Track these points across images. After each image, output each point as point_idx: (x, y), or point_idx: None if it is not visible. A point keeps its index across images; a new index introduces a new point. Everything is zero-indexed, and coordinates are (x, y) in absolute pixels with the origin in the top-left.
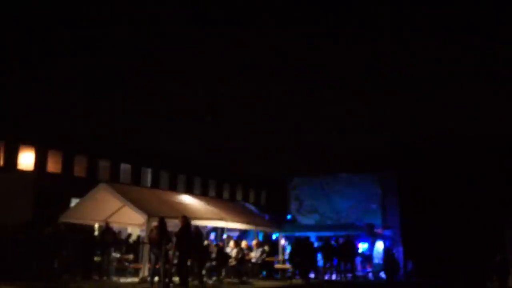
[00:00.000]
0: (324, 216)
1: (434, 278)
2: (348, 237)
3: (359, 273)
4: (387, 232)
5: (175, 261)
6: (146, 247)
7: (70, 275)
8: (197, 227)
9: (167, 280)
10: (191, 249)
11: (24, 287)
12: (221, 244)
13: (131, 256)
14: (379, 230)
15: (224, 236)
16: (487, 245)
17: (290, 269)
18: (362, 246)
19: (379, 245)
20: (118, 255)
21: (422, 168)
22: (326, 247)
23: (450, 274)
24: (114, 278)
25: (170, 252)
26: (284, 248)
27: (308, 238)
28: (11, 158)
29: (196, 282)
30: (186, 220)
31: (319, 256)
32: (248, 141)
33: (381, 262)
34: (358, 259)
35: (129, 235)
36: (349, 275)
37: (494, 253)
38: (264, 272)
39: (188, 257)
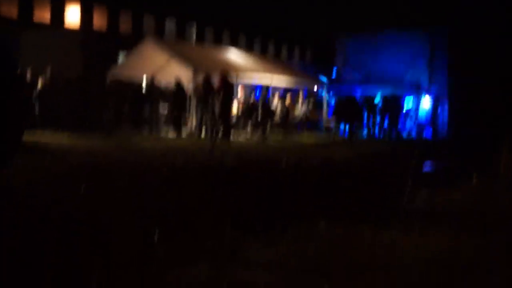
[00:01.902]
0: (370, 73)
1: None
2: (394, 95)
3: (403, 131)
4: (434, 88)
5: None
6: (193, 102)
7: (120, 127)
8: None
9: (213, 133)
10: (231, 102)
11: (76, 137)
12: (266, 99)
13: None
14: (425, 87)
15: (269, 93)
16: None
17: (334, 125)
18: (407, 103)
19: (425, 102)
20: (165, 110)
21: (476, 25)
22: (370, 103)
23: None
24: (163, 132)
25: (216, 107)
26: (328, 105)
27: (353, 97)
28: (58, 16)
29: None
30: (225, 74)
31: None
32: None
33: (425, 121)
34: (401, 116)
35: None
36: (393, 131)
37: None
38: (309, 127)
39: (228, 110)
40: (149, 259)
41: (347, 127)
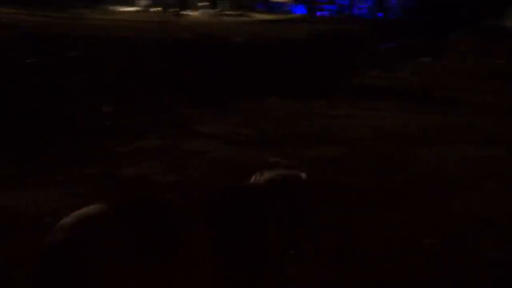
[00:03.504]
0: None
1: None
2: None
3: (356, 11)
4: None
5: None
6: None
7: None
8: None
9: (167, 7)
10: None
11: (39, 15)
12: None
13: None
14: None
15: None
16: None
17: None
18: None
19: None
20: None
21: None
22: None
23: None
24: (114, 6)
25: None
26: None
27: None
28: None
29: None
30: None
31: None
32: None
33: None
34: None
35: None
36: (348, 12)
37: None
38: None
39: None
40: (105, 132)
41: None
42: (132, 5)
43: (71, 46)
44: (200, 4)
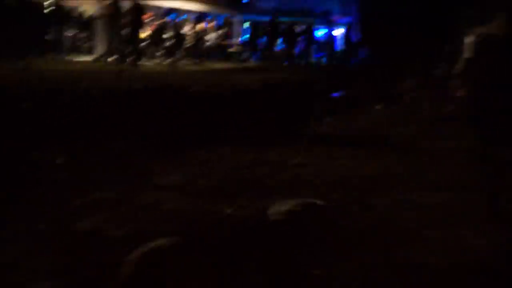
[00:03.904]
0: (281, 2)
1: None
2: (309, 24)
3: (314, 59)
4: (344, 20)
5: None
6: (101, 25)
7: (25, 54)
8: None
9: (122, 57)
10: (140, 26)
11: None
12: (177, 24)
13: (83, 34)
14: (336, 18)
15: (181, 18)
16: (439, 39)
17: (247, 52)
18: (319, 33)
19: (338, 33)
20: (71, 33)
21: None
22: (289, 32)
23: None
24: (69, 56)
25: (124, 30)
26: (241, 33)
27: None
28: None
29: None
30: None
31: (280, 41)
32: None
33: (337, 48)
34: (313, 46)
35: (82, 13)
36: (305, 61)
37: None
38: (220, 54)
39: (137, 33)
40: (58, 185)
41: (258, 54)
42: (89, 54)
43: (21, 98)
44: (157, 54)
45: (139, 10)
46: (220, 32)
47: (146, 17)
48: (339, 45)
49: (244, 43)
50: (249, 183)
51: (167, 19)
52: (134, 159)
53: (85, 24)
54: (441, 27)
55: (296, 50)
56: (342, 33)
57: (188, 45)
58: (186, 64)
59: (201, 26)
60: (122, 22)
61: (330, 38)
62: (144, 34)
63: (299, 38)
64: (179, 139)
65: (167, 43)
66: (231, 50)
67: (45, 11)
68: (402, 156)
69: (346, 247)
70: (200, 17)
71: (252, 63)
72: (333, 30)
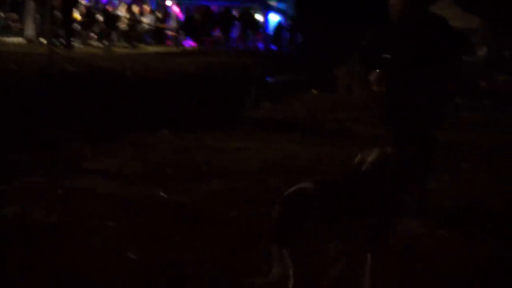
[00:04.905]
0: None
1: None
2: (247, 9)
3: (250, 43)
4: (281, 5)
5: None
6: (32, 5)
7: None
8: None
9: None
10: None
11: None
12: (110, 8)
13: (14, 15)
14: (273, 3)
15: (116, 1)
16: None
17: (182, 36)
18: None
19: (273, 18)
20: (3, 14)
21: None
22: (227, 17)
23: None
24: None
25: (56, 11)
26: (177, 16)
27: (207, 7)
28: None
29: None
30: None
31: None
32: None
33: (272, 34)
34: (248, 31)
35: None
36: (241, 45)
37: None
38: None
39: (69, 15)
40: None
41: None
42: (19, 35)
43: None
44: (91, 35)
45: None
46: (158, 15)
47: None
48: (273, 30)
49: (180, 27)
50: (183, 167)
51: (100, 0)
52: (67, 145)
53: (18, 4)
54: (376, 14)
55: (232, 35)
56: (278, 20)
57: (124, 28)
58: (122, 47)
59: (137, 8)
60: (54, 3)
61: (266, 24)
62: (77, 16)
63: (235, 23)
64: (117, 124)
65: (101, 26)
66: (169, 33)
67: None
68: (337, 140)
69: None
70: (136, 0)
71: (186, 46)
72: (269, 14)
